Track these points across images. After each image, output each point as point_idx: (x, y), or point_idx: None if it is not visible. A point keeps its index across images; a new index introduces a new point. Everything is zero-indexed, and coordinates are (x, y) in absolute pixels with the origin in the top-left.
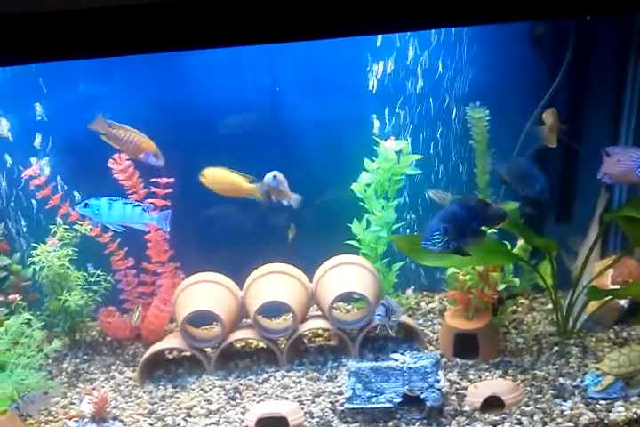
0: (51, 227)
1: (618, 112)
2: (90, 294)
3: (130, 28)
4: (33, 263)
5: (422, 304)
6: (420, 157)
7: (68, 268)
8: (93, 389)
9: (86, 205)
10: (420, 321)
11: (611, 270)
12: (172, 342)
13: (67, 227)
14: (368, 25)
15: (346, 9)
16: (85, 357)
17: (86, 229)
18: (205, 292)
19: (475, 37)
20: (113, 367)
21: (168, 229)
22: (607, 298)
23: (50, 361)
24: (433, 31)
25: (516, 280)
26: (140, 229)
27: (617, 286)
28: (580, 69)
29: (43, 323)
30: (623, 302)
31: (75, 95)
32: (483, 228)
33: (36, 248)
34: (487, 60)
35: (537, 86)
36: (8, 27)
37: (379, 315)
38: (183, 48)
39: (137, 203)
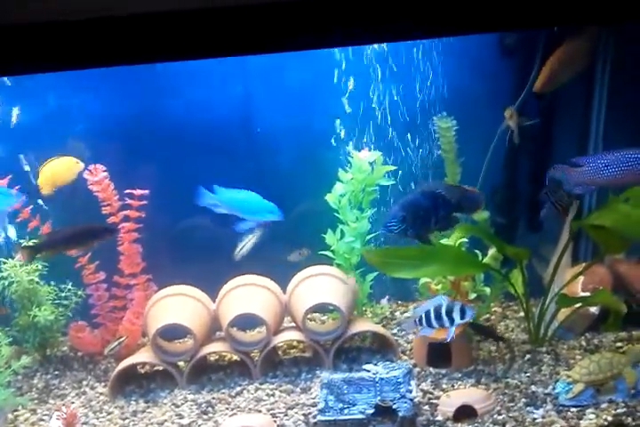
0: (20, 241)
1: (586, 120)
2: (60, 309)
3: (117, 40)
4: (2, 278)
5: (397, 314)
6: (394, 167)
7: (38, 283)
8: (63, 405)
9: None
10: (394, 331)
11: (581, 278)
12: (144, 356)
13: (36, 241)
14: (350, 36)
15: (330, 19)
16: (56, 372)
17: None
18: (177, 305)
19: (445, 48)
20: (84, 383)
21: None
22: (578, 305)
23: (20, 377)
24: (402, 42)
25: (487, 289)
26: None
27: (588, 294)
28: None
29: (10, 339)
30: (594, 310)
31: (47, 107)
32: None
33: (4, 263)
34: (457, 69)
35: (506, 95)
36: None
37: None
38: (167, 59)
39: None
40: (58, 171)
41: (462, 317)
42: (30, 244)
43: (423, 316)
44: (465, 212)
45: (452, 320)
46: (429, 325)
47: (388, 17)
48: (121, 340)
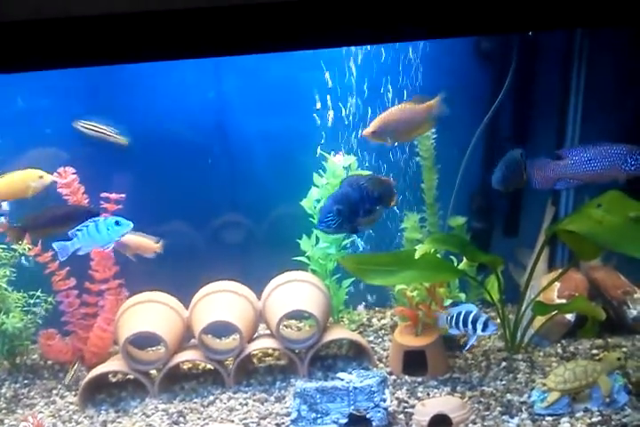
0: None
1: (562, 123)
2: (30, 316)
3: (109, 38)
4: None
5: (374, 320)
6: (368, 172)
7: (6, 289)
8: (30, 415)
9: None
10: (371, 338)
11: (557, 284)
12: (115, 364)
13: (4, 247)
14: (334, 37)
15: (315, 20)
16: (25, 381)
17: (25, 249)
18: (148, 312)
19: (421, 52)
20: (54, 392)
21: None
22: (553, 313)
23: None
24: (378, 46)
25: (462, 295)
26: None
27: (564, 301)
28: (524, 82)
29: None
30: (570, 317)
31: (15, 109)
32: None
33: None
34: (433, 73)
35: (483, 99)
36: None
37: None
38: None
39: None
40: (14, 186)
41: (484, 329)
42: (18, 224)
43: (454, 316)
44: (383, 204)
45: (474, 329)
46: (456, 326)
47: (373, 19)
48: (75, 367)
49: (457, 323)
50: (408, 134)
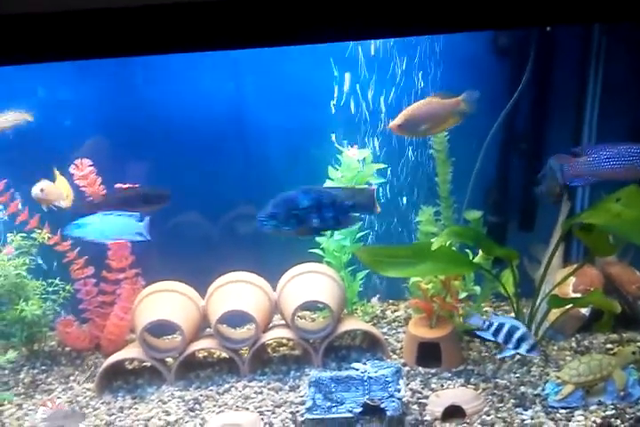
0: (8, 235)
1: (579, 119)
2: (48, 304)
3: (118, 31)
4: None
5: (388, 312)
6: (384, 165)
7: (25, 277)
8: (48, 400)
9: (78, 226)
10: (385, 330)
11: (572, 279)
12: (132, 352)
13: (24, 235)
14: (349, 30)
15: (327, 14)
16: (43, 367)
17: (44, 238)
18: (166, 301)
19: (438, 47)
20: (71, 378)
21: (149, 238)
22: (568, 306)
23: (6, 372)
24: (396, 40)
25: (477, 288)
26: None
27: (578, 295)
28: (541, 77)
29: None
30: (585, 311)
31: (38, 100)
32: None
33: None
34: (450, 69)
35: (500, 95)
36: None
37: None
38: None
39: (128, 213)
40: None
41: (528, 351)
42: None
43: (493, 324)
44: (360, 211)
45: (514, 344)
46: (494, 334)
47: (390, 12)
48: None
49: (496, 332)
50: (434, 128)
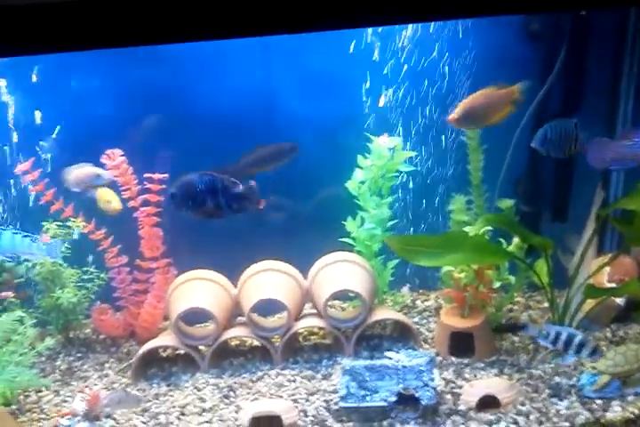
0: (43, 223)
1: (614, 106)
2: (83, 292)
3: (127, 20)
4: (26, 260)
5: (418, 302)
6: (414, 153)
7: (61, 265)
8: (86, 386)
9: None
10: (416, 319)
11: (607, 269)
12: (166, 339)
13: (59, 224)
14: (369, 17)
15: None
16: (79, 354)
17: (79, 226)
18: (199, 289)
19: (470, 32)
20: (106, 365)
21: (58, 259)
22: (604, 296)
23: (43, 359)
24: (426, 27)
25: (512, 278)
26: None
27: (613, 285)
28: (575, 64)
29: (35, 320)
30: (620, 301)
31: (67, 90)
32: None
33: None
34: (482, 54)
35: (533, 81)
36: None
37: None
38: (182, 40)
39: (25, 233)
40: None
41: (590, 355)
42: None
43: (550, 333)
44: (248, 204)
45: (574, 350)
46: (552, 341)
47: None
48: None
49: (555, 340)
50: (491, 119)
